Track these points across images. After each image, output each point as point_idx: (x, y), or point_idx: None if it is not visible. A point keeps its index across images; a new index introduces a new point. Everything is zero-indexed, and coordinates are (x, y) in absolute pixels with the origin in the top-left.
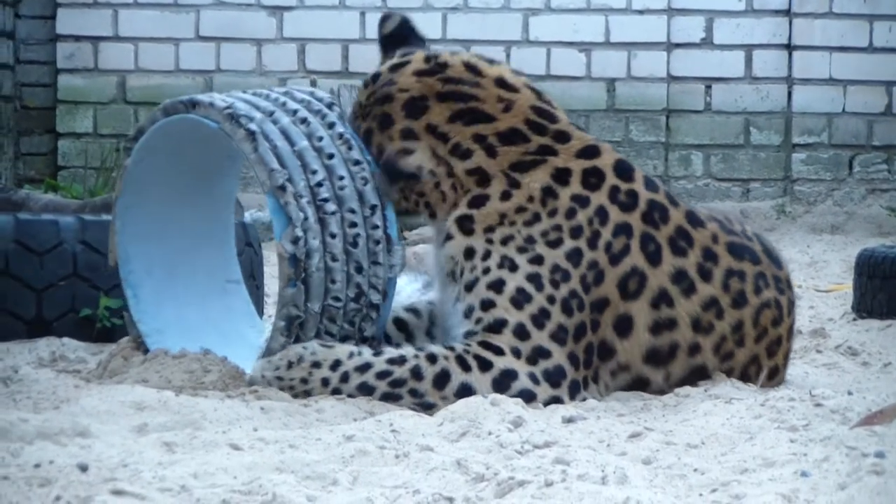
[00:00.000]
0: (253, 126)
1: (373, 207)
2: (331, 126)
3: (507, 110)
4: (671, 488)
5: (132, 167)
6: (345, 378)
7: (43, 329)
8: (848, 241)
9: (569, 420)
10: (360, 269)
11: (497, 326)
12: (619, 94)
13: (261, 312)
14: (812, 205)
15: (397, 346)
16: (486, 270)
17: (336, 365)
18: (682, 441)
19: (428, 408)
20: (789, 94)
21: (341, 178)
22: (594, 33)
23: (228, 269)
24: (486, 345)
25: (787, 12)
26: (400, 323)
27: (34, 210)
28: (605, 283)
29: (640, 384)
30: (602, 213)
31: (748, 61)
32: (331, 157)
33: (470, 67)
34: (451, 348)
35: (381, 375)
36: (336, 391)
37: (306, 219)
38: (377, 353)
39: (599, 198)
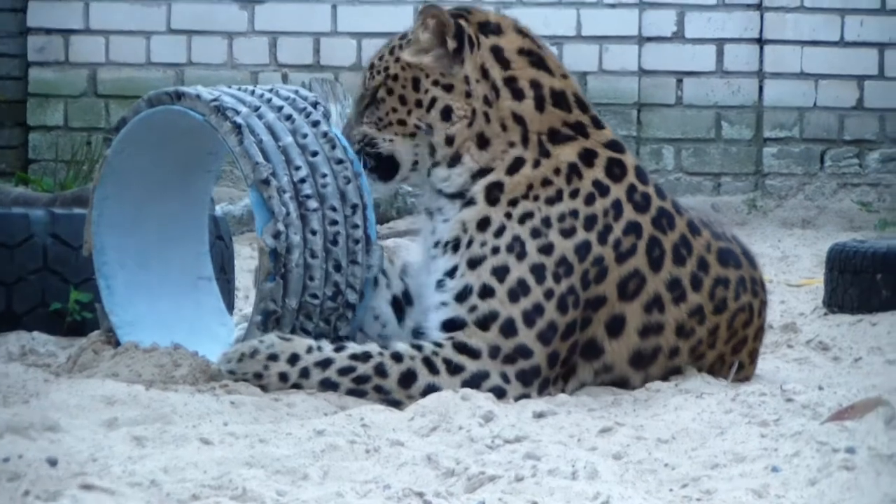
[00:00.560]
0: (239, 119)
1: (354, 207)
2: (315, 124)
3: (564, 77)
4: (642, 483)
5: (112, 158)
6: (305, 373)
7: (13, 323)
8: (819, 236)
9: (539, 415)
10: (338, 268)
11: (487, 321)
12: (591, 87)
13: (231, 306)
14: (783, 199)
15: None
16: (496, 250)
17: (294, 359)
18: (652, 436)
19: (395, 405)
20: (760, 88)
21: (324, 175)
22: (566, 26)
23: (201, 266)
24: (461, 347)
25: (759, 6)
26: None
27: (4, 203)
28: (606, 282)
29: (618, 384)
30: (617, 207)
31: (719, 55)
32: (314, 154)
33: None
34: (419, 347)
35: (344, 371)
36: (296, 386)
37: (288, 214)
38: (338, 349)
39: (618, 191)
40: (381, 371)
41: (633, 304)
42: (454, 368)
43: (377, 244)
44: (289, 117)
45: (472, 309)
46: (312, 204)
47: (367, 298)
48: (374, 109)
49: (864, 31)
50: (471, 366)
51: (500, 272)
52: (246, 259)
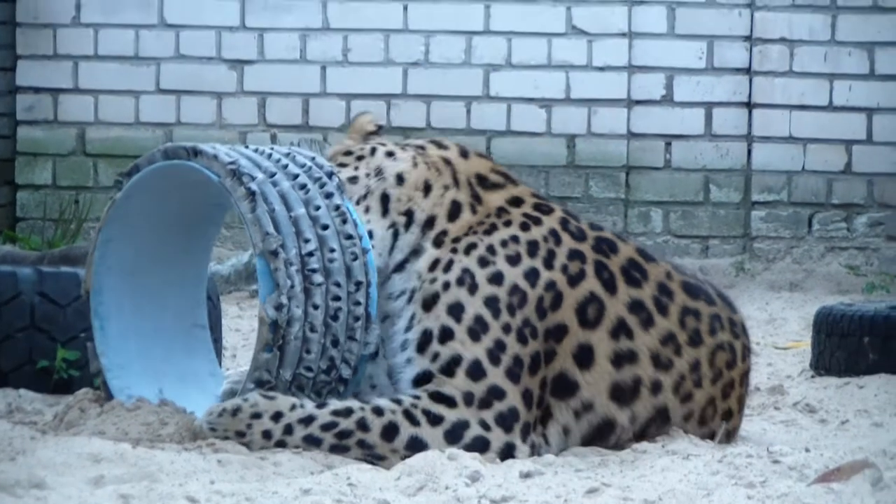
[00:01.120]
0: (254, 186)
1: (358, 284)
2: (328, 196)
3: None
4: None
5: (121, 201)
6: (288, 430)
7: None
8: (807, 299)
9: (526, 475)
10: (336, 343)
11: (452, 366)
12: (579, 150)
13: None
14: (771, 262)
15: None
16: (447, 286)
17: (277, 417)
18: (639, 497)
19: (379, 459)
20: (749, 151)
21: (332, 250)
22: (555, 89)
23: (196, 314)
24: (436, 396)
25: (748, 70)
26: None
27: None
28: (562, 308)
29: (605, 428)
30: (555, 235)
31: (708, 118)
32: (325, 227)
33: None
34: (398, 401)
35: (327, 427)
36: (280, 444)
37: (292, 287)
38: (321, 405)
39: (551, 222)
40: (363, 425)
41: (597, 332)
42: (434, 419)
43: (376, 323)
44: (303, 187)
45: (435, 357)
46: (318, 278)
47: (361, 373)
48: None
49: (853, 96)
50: (449, 415)
51: (456, 310)
52: (233, 318)
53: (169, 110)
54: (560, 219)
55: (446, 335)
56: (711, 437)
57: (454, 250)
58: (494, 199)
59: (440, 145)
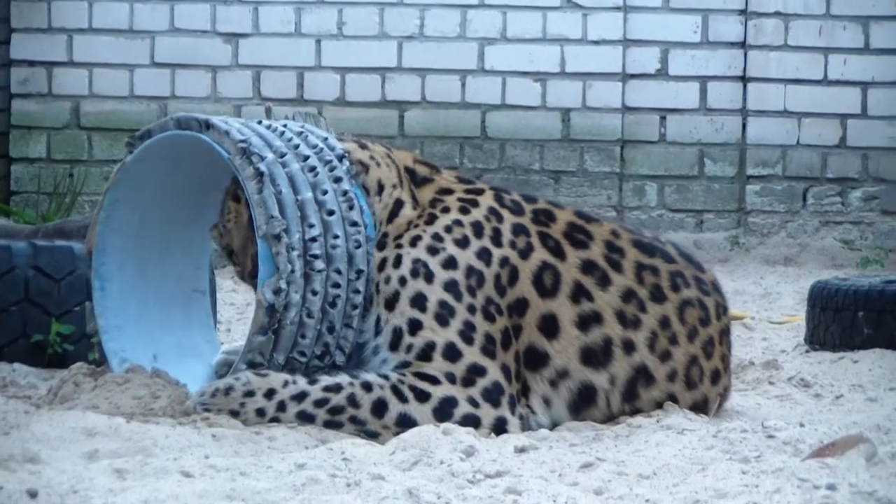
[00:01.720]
0: (262, 167)
1: (359, 272)
2: (337, 180)
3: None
4: None
5: (131, 164)
6: (282, 407)
7: None
8: (801, 273)
9: (521, 450)
10: (331, 330)
11: (427, 352)
12: (574, 124)
13: None
14: (766, 236)
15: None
16: (402, 281)
17: (271, 394)
18: (633, 471)
19: (372, 436)
20: (744, 125)
21: (336, 237)
22: (550, 63)
23: (197, 279)
24: (420, 375)
25: (743, 44)
26: None
27: None
28: (520, 281)
29: (586, 393)
30: (495, 213)
31: (703, 93)
32: (331, 213)
33: None
34: (385, 377)
35: (319, 403)
36: (274, 420)
37: (293, 271)
38: (312, 381)
39: (487, 200)
40: (353, 401)
41: (557, 299)
42: (421, 395)
43: (383, 344)
44: (312, 169)
45: (409, 348)
46: (319, 265)
47: (354, 361)
48: None
49: (848, 70)
50: (436, 391)
51: (419, 301)
52: (228, 292)
53: (163, 83)
54: (494, 196)
55: (415, 327)
56: (704, 402)
57: (399, 246)
58: (426, 193)
59: (361, 145)
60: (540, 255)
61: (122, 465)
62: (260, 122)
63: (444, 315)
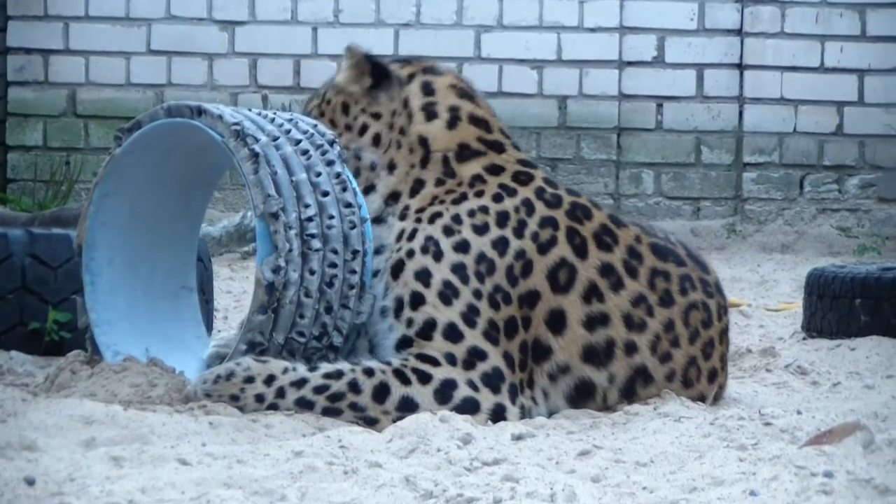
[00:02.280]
0: (257, 148)
1: (354, 252)
2: (329, 164)
3: (492, 115)
4: None
5: (120, 157)
6: (281, 393)
7: None
8: (798, 261)
9: (518, 437)
10: (329, 310)
11: (427, 330)
12: (571, 111)
13: (210, 327)
14: (762, 224)
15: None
16: (410, 253)
17: (270, 380)
18: (631, 459)
19: (371, 423)
20: (740, 113)
21: (331, 217)
22: (546, 50)
23: (185, 275)
24: (422, 357)
25: (739, 32)
26: None
27: None
28: (533, 274)
29: (584, 389)
30: (528, 204)
31: (700, 80)
32: (325, 194)
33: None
34: (388, 363)
35: (319, 390)
36: (273, 406)
37: (291, 250)
38: (313, 368)
39: (526, 192)
40: (354, 387)
41: (569, 296)
42: (423, 377)
43: (371, 293)
44: (305, 152)
45: (410, 323)
46: (316, 244)
47: (351, 342)
48: None
49: (844, 58)
50: (437, 373)
51: (423, 276)
52: (224, 280)
53: (160, 71)
54: (537, 189)
55: (417, 301)
56: (700, 399)
57: (418, 220)
58: (470, 168)
59: (429, 113)
60: (560, 251)
61: (119, 452)
62: (250, 110)
63: (447, 294)
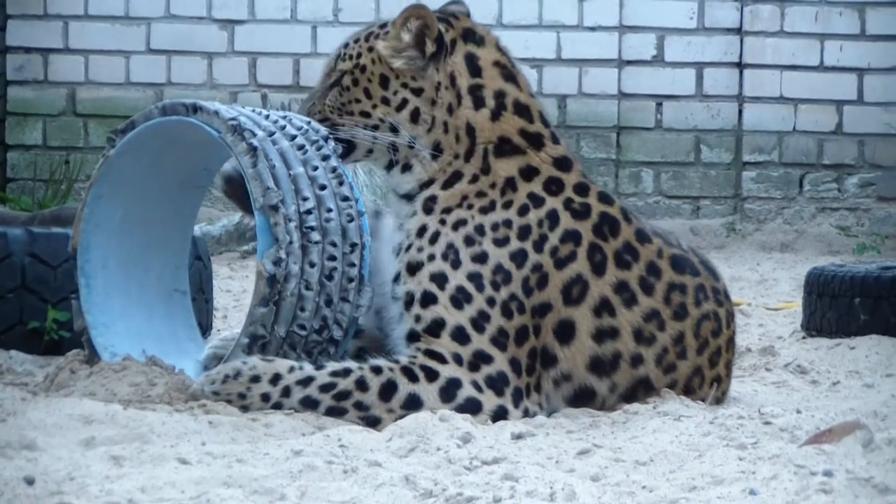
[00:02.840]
0: (255, 142)
1: (353, 245)
2: (325, 158)
3: (531, 97)
4: None
5: (114, 158)
6: (286, 392)
7: None
8: (798, 260)
9: (518, 436)
10: (329, 303)
11: (436, 328)
12: (571, 110)
13: (210, 326)
14: (762, 223)
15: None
16: (431, 257)
17: (276, 379)
18: (630, 458)
19: (374, 423)
20: (740, 112)
21: (329, 210)
22: (546, 49)
23: (178, 279)
24: (430, 353)
25: (739, 30)
26: None
27: None
28: (548, 288)
29: (585, 395)
30: (553, 217)
31: (699, 79)
32: (322, 188)
33: None
34: (396, 361)
35: (325, 388)
36: (278, 405)
37: (291, 243)
38: (319, 367)
39: (554, 202)
40: (361, 384)
41: (580, 309)
42: (430, 374)
43: (369, 286)
44: (301, 147)
45: (418, 319)
46: (315, 236)
47: (350, 335)
48: (338, 93)
49: (844, 56)
50: (443, 371)
51: (439, 279)
52: (224, 279)
53: (159, 70)
54: (566, 199)
55: (428, 299)
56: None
57: (442, 221)
58: (506, 167)
59: (477, 99)
60: (578, 266)
61: (118, 451)
62: (244, 107)
63: (459, 299)
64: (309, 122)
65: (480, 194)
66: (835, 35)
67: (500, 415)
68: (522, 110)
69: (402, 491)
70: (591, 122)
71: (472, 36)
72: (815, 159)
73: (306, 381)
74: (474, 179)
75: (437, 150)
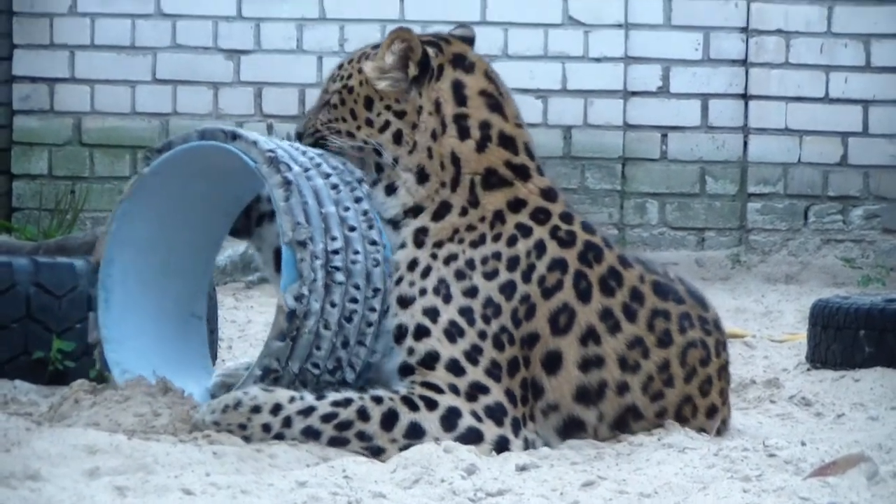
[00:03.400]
0: (290, 176)
1: (375, 290)
2: (357, 200)
3: (518, 126)
4: None
5: (148, 177)
6: (287, 422)
7: None
8: (802, 291)
9: (522, 468)
10: (345, 344)
11: (430, 361)
12: (576, 141)
13: (215, 356)
14: (767, 254)
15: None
16: (423, 292)
17: (277, 409)
18: (635, 490)
19: (377, 452)
20: (745, 143)
21: (356, 252)
22: (551, 80)
23: (196, 303)
24: (427, 385)
25: (744, 62)
26: None
27: None
28: (536, 318)
29: (573, 425)
30: (540, 247)
31: (704, 110)
32: (352, 229)
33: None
34: (396, 391)
35: (327, 418)
36: (279, 436)
37: (315, 280)
38: (320, 397)
39: (541, 232)
40: (363, 414)
41: (567, 338)
42: (430, 403)
43: (388, 332)
44: (335, 186)
45: (411, 352)
46: (339, 277)
47: (363, 380)
48: (328, 111)
49: (849, 88)
50: (442, 400)
51: (431, 314)
52: (229, 309)
53: (165, 100)
54: (552, 228)
55: (421, 333)
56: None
57: (434, 256)
58: (494, 200)
59: (461, 129)
60: (564, 295)
61: (123, 482)
62: (282, 139)
63: (452, 333)
64: (344, 163)
65: (470, 228)
66: (840, 67)
67: (502, 445)
68: (507, 142)
69: None
70: (596, 153)
71: (461, 62)
72: (820, 191)
73: (307, 412)
74: (464, 212)
75: (421, 175)
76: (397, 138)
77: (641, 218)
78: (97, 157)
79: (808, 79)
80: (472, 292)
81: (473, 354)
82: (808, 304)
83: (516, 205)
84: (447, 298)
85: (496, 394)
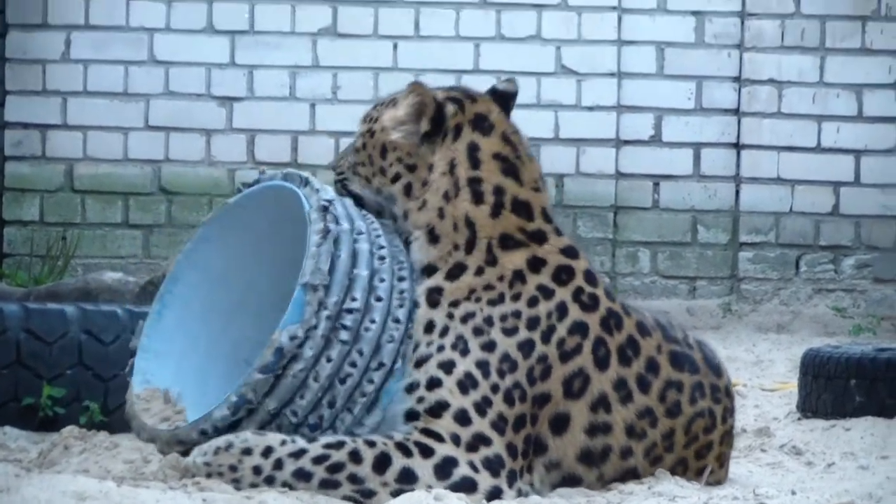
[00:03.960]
0: (333, 227)
1: (381, 364)
2: (401, 280)
3: (536, 190)
4: None
5: (232, 206)
6: (278, 465)
7: None
8: (794, 341)
9: None
10: (332, 405)
11: (438, 409)
12: (568, 189)
13: None
14: (758, 303)
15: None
16: (441, 349)
17: (268, 452)
18: None
19: (368, 495)
20: (737, 192)
21: (373, 321)
22: (543, 129)
23: (252, 351)
24: (426, 432)
25: (736, 111)
26: None
27: None
28: (551, 380)
29: (571, 482)
30: (562, 309)
31: (696, 159)
32: (379, 300)
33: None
34: (390, 437)
35: (318, 460)
36: (270, 479)
37: (315, 328)
38: (312, 440)
39: (563, 293)
40: (355, 457)
41: (578, 403)
42: (425, 450)
43: (381, 410)
44: (382, 258)
45: (421, 400)
46: (344, 336)
47: None
48: (354, 153)
49: (841, 138)
50: (440, 449)
51: (446, 366)
52: None
53: (158, 147)
54: (575, 289)
55: (434, 384)
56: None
57: (450, 315)
58: (513, 259)
59: (475, 193)
60: (581, 360)
61: None
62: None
63: (465, 384)
64: (401, 250)
65: (488, 287)
66: (832, 116)
67: (495, 494)
68: (522, 207)
69: None
70: (588, 202)
71: (481, 123)
72: (811, 240)
73: (299, 454)
74: (480, 272)
75: (432, 235)
76: (407, 191)
77: (633, 266)
78: (89, 203)
79: (801, 128)
80: (489, 347)
81: (483, 406)
82: (799, 354)
83: (536, 264)
84: (464, 352)
85: (497, 446)
